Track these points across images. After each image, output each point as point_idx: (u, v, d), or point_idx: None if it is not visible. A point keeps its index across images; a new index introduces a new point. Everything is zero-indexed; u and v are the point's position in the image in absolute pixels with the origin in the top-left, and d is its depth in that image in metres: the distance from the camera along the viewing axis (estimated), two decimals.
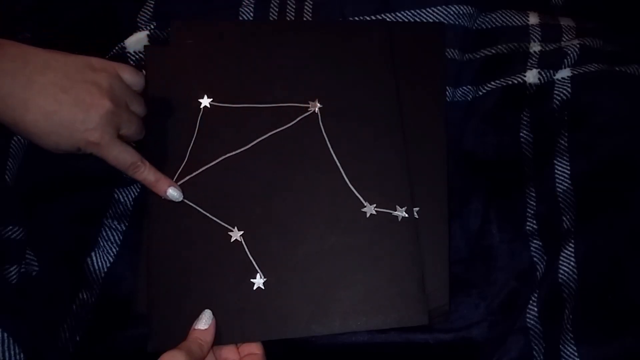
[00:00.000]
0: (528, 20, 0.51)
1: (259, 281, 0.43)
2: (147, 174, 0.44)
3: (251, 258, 0.43)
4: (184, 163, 0.46)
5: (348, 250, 0.44)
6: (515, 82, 0.49)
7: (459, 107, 0.51)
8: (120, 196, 0.49)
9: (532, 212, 0.47)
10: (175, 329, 0.41)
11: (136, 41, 0.52)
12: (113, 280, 0.46)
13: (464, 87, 0.51)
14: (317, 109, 0.48)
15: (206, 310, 0.41)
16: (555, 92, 0.47)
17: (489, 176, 0.49)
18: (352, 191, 0.45)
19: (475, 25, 0.52)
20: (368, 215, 0.45)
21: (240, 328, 0.42)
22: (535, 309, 0.43)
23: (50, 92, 0.39)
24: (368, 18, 0.52)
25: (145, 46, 0.51)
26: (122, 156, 0.43)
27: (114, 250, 0.47)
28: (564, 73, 0.48)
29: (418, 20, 0.52)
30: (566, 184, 0.45)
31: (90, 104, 0.40)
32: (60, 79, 0.40)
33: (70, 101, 0.40)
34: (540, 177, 0.46)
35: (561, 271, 0.42)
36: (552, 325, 0.42)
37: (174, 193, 0.44)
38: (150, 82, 0.49)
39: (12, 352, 0.38)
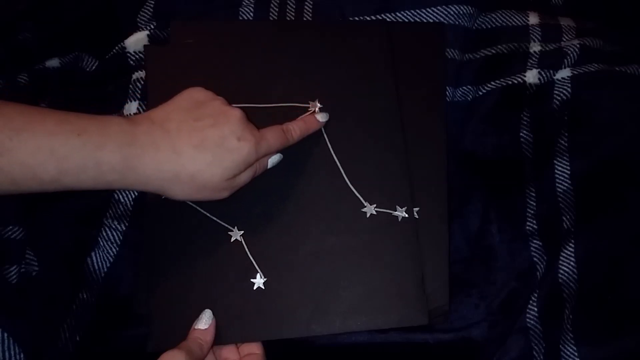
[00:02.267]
0: (528, 20, 0.51)
1: (259, 281, 0.43)
2: (297, 133, 0.44)
3: (251, 258, 0.43)
4: None
5: (348, 250, 0.44)
6: (515, 82, 0.49)
7: (459, 107, 0.51)
8: (120, 196, 0.49)
9: (532, 212, 0.47)
10: (175, 329, 0.40)
11: (136, 41, 0.52)
12: (113, 280, 0.46)
13: (464, 87, 0.51)
14: (317, 109, 0.48)
15: (206, 310, 0.41)
16: (555, 92, 0.47)
17: (489, 176, 0.49)
18: (352, 191, 0.45)
19: (475, 25, 0.52)
20: (368, 215, 0.45)
21: (240, 328, 0.42)
22: (535, 309, 0.43)
23: (195, 156, 0.38)
24: (368, 18, 0.52)
25: (145, 46, 0.51)
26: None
27: (114, 250, 0.47)
28: (564, 73, 0.48)
29: (418, 20, 0.52)
30: (566, 184, 0.45)
31: (230, 150, 0.39)
32: (193, 135, 0.38)
33: (210, 159, 0.38)
34: (540, 177, 0.46)
35: (561, 271, 0.42)
36: (552, 325, 0.42)
37: (323, 117, 0.46)
38: (150, 82, 0.49)
39: (12, 352, 0.38)
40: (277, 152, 0.44)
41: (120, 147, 0.36)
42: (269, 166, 0.44)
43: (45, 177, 0.34)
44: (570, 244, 0.42)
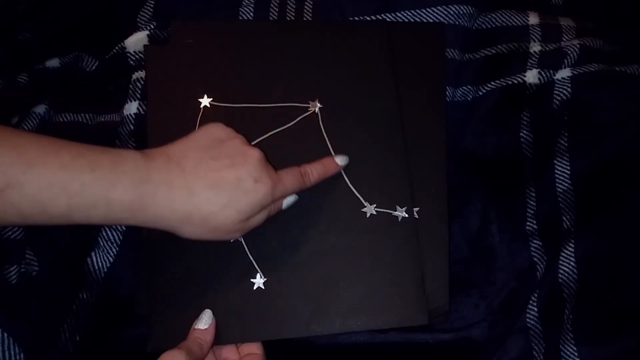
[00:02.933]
0: (528, 20, 0.51)
1: (259, 281, 0.43)
2: (315, 177, 0.43)
3: (251, 258, 0.43)
4: None
5: (348, 250, 0.44)
6: (515, 82, 0.49)
7: (459, 107, 0.51)
8: None
9: (532, 212, 0.47)
10: (175, 329, 0.40)
11: (136, 41, 0.52)
12: (113, 280, 0.46)
13: (464, 87, 0.52)
14: (317, 109, 0.48)
15: (206, 310, 0.41)
16: (555, 92, 0.47)
17: (489, 176, 0.49)
18: (352, 191, 0.45)
19: (475, 25, 0.52)
20: (368, 215, 0.45)
21: (240, 328, 0.42)
22: (535, 309, 0.43)
23: (210, 198, 0.37)
24: (368, 18, 0.52)
25: (145, 46, 0.51)
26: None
27: (114, 250, 0.47)
28: (564, 73, 0.48)
29: (418, 20, 0.52)
30: (566, 184, 0.45)
31: (246, 192, 0.38)
32: (209, 175, 0.37)
33: (225, 201, 0.37)
34: (540, 177, 0.46)
35: (561, 271, 0.42)
36: (552, 325, 0.42)
37: (343, 160, 0.45)
38: (150, 82, 0.49)
39: (12, 352, 0.38)
40: (293, 194, 0.43)
41: (133, 185, 0.35)
42: (283, 207, 0.43)
43: (54, 212, 0.34)
44: (570, 244, 0.42)
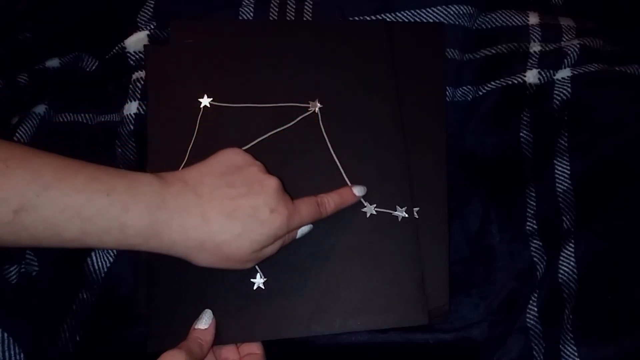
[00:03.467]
0: (528, 20, 0.51)
1: (259, 281, 0.43)
2: (331, 207, 0.42)
3: None
4: (184, 163, 0.46)
5: (348, 250, 0.44)
6: (515, 82, 0.49)
7: (459, 107, 0.51)
8: None
9: (532, 212, 0.47)
10: (175, 329, 0.40)
11: (136, 41, 0.52)
12: (113, 280, 0.46)
13: (464, 87, 0.51)
14: (317, 109, 0.48)
15: (206, 310, 0.41)
16: (555, 92, 0.47)
17: (489, 176, 0.49)
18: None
19: (475, 25, 0.52)
20: (368, 215, 0.45)
21: (240, 328, 0.42)
22: (535, 309, 0.43)
23: (225, 226, 0.36)
24: (368, 18, 0.52)
25: (145, 46, 0.51)
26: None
27: (113, 250, 0.47)
28: (564, 73, 0.48)
29: (418, 20, 0.52)
30: (566, 184, 0.45)
31: (262, 222, 0.37)
32: (224, 203, 0.37)
33: (239, 230, 0.36)
34: (540, 177, 0.46)
35: (561, 271, 0.42)
36: (552, 325, 0.42)
37: (361, 190, 0.44)
38: (150, 82, 0.49)
39: (12, 352, 0.38)
40: (309, 224, 0.42)
41: (148, 210, 0.34)
42: (297, 236, 0.42)
43: (67, 236, 0.33)
44: (570, 244, 0.42)
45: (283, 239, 0.40)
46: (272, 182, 0.38)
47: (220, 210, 0.36)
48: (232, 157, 0.39)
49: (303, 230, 0.42)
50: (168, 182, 0.36)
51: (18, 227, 0.32)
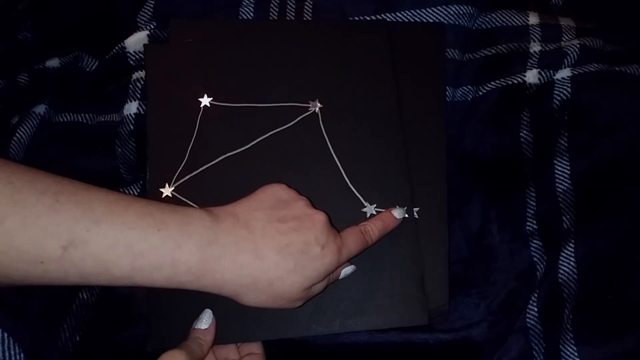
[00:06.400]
0: (528, 20, 0.51)
1: None
2: (376, 235, 0.42)
3: None
4: (183, 162, 0.46)
5: None
6: (515, 82, 0.49)
7: (459, 107, 0.51)
8: None
9: (532, 212, 0.47)
10: (175, 329, 0.40)
11: (136, 41, 0.51)
12: None
13: (464, 87, 0.51)
14: (317, 109, 0.48)
15: (206, 309, 0.41)
16: (555, 92, 0.47)
17: (489, 176, 0.49)
18: (352, 191, 0.45)
19: (475, 25, 0.52)
20: (368, 215, 0.45)
21: (240, 328, 0.42)
22: (535, 309, 0.43)
23: (279, 262, 0.36)
24: (368, 18, 0.52)
25: (145, 45, 0.51)
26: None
27: None
28: (564, 73, 0.48)
29: (418, 20, 0.51)
30: (566, 184, 0.45)
31: (314, 258, 0.37)
32: (277, 239, 0.36)
33: (292, 267, 0.36)
34: (540, 177, 0.46)
35: (561, 271, 0.42)
36: (552, 325, 0.42)
37: (401, 213, 0.44)
38: (150, 82, 0.49)
39: (12, 352, 0.38)
40: (352, 265, 0.42)
41: (200, 247, 0.34)
42: (341, 277, 0.42)
43: (117, 273, 0.33)
44: (570, 244, 0.42)
45: (331, 277, 0.40)
46: (321, 217, 0.38)
47: (273, 247, 0.36)
48: (278, 192, 0.39)
49: (347, 271, 0.42)
50: (220, 218, 0.36)
51: (67, 263, 0.32)
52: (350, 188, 0.45)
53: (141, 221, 0.33)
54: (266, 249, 0.35)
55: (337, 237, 0.38)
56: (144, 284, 0.34)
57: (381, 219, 0.43)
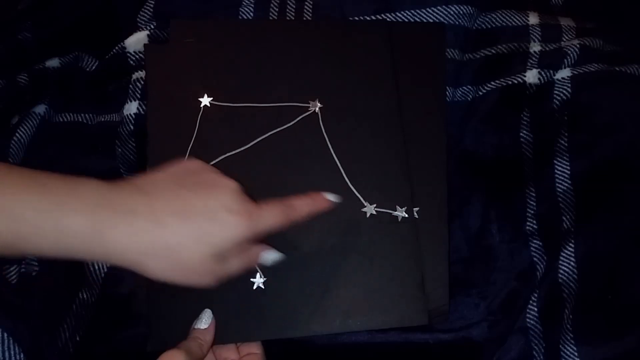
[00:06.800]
0: (528, 20, 0.51)
1: (258, 280, 0.43)
2: (303, 211, 0.38)
3: None
4: None
5: (348, 250, 0.44)
6: (515, 82, 0.49)
7: (459, 107, 0.51)
8: None
9: (532, 212, 0.47)
10: (175, 329, 0.41)
11: (136, 41, 0.52)
12: (113, 280, 0.46)
13: (464, 87, 0.51)
14: (317, 109, 0.48)
15: (206, 309, 0.41)
16: (555, 92, 0.47)
17: (489, 176, 0.49)
18: (352, 191, 0.45)
19: (475, 25, 0.52)
20: (368, 215, 0.45)
21: (240, 328, 0.42)
22: (535, 309, 0.43)
23: (178, 227, 0.32)
24: (368, 18, 0.52)
25: (145, 45, 0.51)
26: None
27: None
28: (564, 73, 0.48)
29: (418, 20, 0.52)
30: (566, 184, 0.45)
31: (220, 223, 0.33)
32: (177, 203, 0.33)
33: (194, 232, 0.33)
34: (540, 177, 0.46)
35: (561, 271, 0.42)
36: (552, 325, 0.42)
37: (334, 197, 0.39)
38: (150, 82, 0.49)
39: (12, 352, 0.38)
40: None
41: (89, 211, 0.30)
42: (266, 262, 0.39)
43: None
44: (570, 244, 0.42)
45: (248, 256, 0.37)
46: (230, 184, 0.35)
47: (173, 211, 0.32)
48: (187, 164, 0.36)
49: (273, 257, 0.39)
50: (116, 185, 0.33)
51: None
52: (350, 188, 0.45)
53: (24, 185, 0.30)
54: (165, 213, 0.32)
55: (251, 205, 0.35)
56: (32, 252, 0.32)
57: (311, 197, 0.39)
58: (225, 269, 0.35)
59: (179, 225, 0.32)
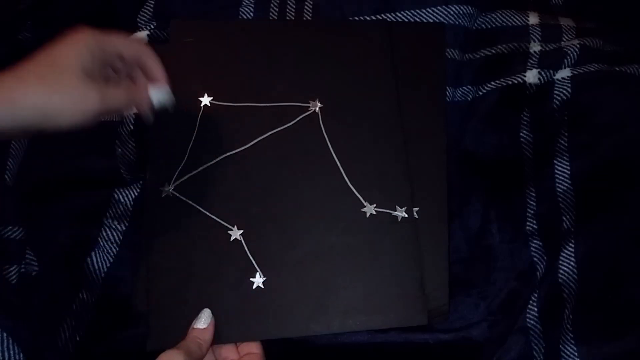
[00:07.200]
0: (528, 20, 0.51)
1: (258, 280, 0.43)
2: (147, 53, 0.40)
3: (251, 257, 0.43)
4: (183, 161, 0.46)
5: (348, 250, 0.44)
6: (515, 82, 0.49)
7: (459, 107, 0.51)
8: (120, 196, 0.49)
9: (532, 212, 0.47)
10: (175, 328, 0.40)
11: None
12: (113, 280, 0.46)
13: (464, 87, 0.51)
14: (317, 109, 0.48)
15: (205, 309, 0.41)
16: (555, 92, 0.47)
17: (489, 176, 0.49)
18: (352, 191, 0.45)
19: (475, 25, 0.52)
20: (368, 215, 0.45)
21: (240, 327, 0.42)
22: (535, 309, 0.43)
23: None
24: (368, 18, 0.52)
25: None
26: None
27: (114, 250, 0.47)
28: (564, 73, 0.48)
29: (418, 20, 0.52)
30: (566, 184, 0.45)
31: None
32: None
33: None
34: (540, 177, 0.46)
35: (561, 271, 0.42)
36: (552, 325, 0.42)
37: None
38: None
39: (12, 352, 0.38)
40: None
41: None
42: (155, 101, 0.40)
43: None
44: (570, 244, 0.42)
45: (128, 89, 0.38)
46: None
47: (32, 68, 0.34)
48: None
49: (160, 96, 0.40)
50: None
51: None
52: (350, 188, 0.45)
53: None
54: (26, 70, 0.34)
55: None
56: None
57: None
58: (107, 97, 0.36)
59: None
